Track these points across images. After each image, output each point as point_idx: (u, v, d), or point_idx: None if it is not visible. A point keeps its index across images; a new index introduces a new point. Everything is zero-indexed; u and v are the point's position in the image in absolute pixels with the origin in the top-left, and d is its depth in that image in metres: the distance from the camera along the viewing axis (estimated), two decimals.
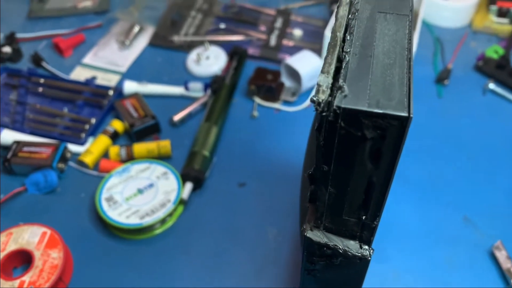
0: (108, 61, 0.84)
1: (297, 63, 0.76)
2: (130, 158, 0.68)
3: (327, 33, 0.76)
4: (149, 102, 0.75)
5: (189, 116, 0.75)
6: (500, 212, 0.62)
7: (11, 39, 0.87)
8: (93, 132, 0.72)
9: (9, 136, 0.70)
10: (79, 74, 0.82)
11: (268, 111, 0.76)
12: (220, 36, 0.88)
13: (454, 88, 0.80)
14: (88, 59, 0.85)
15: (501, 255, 0.57)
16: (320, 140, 0.26)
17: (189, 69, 0.83)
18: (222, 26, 0.91)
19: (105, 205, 0.60)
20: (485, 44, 0.88)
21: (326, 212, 0.31)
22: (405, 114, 0.23)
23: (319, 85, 0.25)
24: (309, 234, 0.32)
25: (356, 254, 0.32)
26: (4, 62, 0.84)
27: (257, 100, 0.77)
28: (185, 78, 0.81)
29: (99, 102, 0.76)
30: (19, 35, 0.89)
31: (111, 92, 0.77)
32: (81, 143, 0.70)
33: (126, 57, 0.85)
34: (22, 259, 0.57)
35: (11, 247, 0.56)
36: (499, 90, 0.78)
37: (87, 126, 0.72)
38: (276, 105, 0.76)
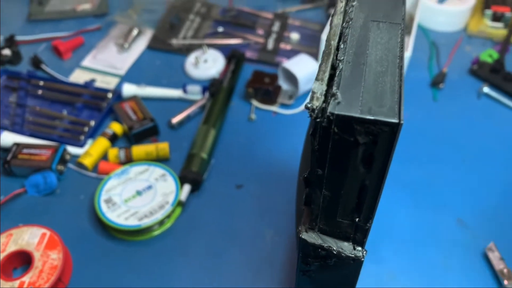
0: (107, 64, 0.85)
1: (294, 67, 0.77)
2: (128, 160, 0.69)
3: (324, 37, 0.77)
4: (147, 104, 0.76)
5: (188, 118, 0.76)
6: (493, 214, 0.63)
7: (10, 42, 0.87)
8: (92, 134, 0.73)
9: (9, 138, 0.70)
10: (78, 76, 0.83)
11: (266, 114, 0.77)
12: (218, 39, 0.89)
13: (449, 92, 0.81)
14: (87, 61, 0.86)
15: (494, 257, 0.58)
16: (315, 145, 0.27)
17: (187, 72, 0.84)
18: (220, 29, 0.92)
19: (104, 207, 0.61)
20: (479, 48, 0.89)
21: (320, 214, 0.32)
22: (395, 120, 0.24)
23: (313, 92, 0.26)
24: (304, 235, 0.33)
25: (350, 255, 0.33)
26: (3, 65, 0.85)
27: (255, 103, 0.78)
28: (183, 81, 0.82)
29: (98, 104, 0.76)
30: (19, 38, 0.89)
31: (110, 95, 0.77)
32: (80, 145, 0.71)
33: (125, 60, 0.86)
34: (22, 260, 0.58)
35: (11, 248, 0.56)
36: (494, 93, 0.79)
37: (86, 129, 0.73)
38: (274, 108, 0.77)
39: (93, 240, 0.61)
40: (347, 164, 0.27)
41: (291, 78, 0.79)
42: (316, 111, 0.25)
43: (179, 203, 0.63)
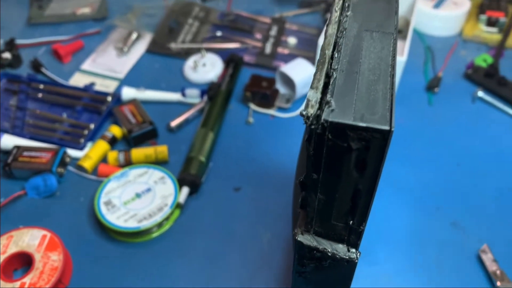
0: (106, 68, 0.86)
1: (291, 71, 0.78)
2: (128, 163, 0.69)
3: (321, 42, 0.78)
4: (146, 108, 0.77)
5: (186, 122, 0.76)
6: (487, 217, 0.64)
7: (11, 45, 0.88)
8: (92, 137, 0.74)
9: (9, 141, 0.71)
10: (78, 80, 0.84)
11: (263, 117, 0.78)
12: (217, 43, 0.90)
13: (444, 96, 0.82)
14: (86, 65, 0.87)
15: (487, 258, 0.59)
16: (310, 151, 0.28)
17: (186, 76, 0.84)
18: (219, 33, 0.93)
19: (103, 209, 0.62)
20: (474, 52, 0.90)
21: (316, 217, 0.33)
22: (387, 127, 0.25)
23: (308, 100, 0.27)
24: (300, 238, 0.34)
25: (344, 257, 0.34)
26: (4, 68, 0.85)
27: (253, 106, 0.79)
28: (182, 84, 0.83)
29: (97, 108, 0.77)
30: (19, 41, 0.90)
31: (109, 98, 0.78)
32: (80, 148, 0.72)
33: (124, 64, 0.87)
34: (23, 262, 0.58)
35: (12, 249, 0.57)
36: (488, 98, 0.80)
37: (86, 132, 0.74)
38: (271, 111, 0.78)
39: (92, 242, 0.62)
40: (341, 169, 0.28)
41: (289, 82, 0.80)
42: (311, 118, 0.26)
43: (178, 206, 0.64)
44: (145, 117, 0.74)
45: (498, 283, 0.56)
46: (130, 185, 0.65)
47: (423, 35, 0.94)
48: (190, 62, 0.86)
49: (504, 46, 0.88)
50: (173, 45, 0.90)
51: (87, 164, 0.68)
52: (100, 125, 0.76)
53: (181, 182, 0.65)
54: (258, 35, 0.93)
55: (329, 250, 0.34)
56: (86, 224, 0.63)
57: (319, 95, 0.27)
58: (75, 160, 0.71)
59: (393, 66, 0.29)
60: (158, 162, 0.70)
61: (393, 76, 0.28)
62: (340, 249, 0.34)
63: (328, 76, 0.28)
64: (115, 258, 0.60)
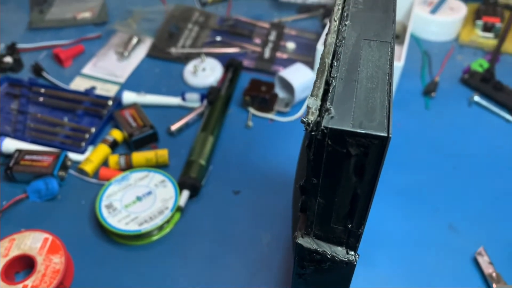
0: (107, 72, 0.87)
1: (290, 76, 0.79)
2: (129, 166, 0.70)
3: (319, 47, 0.79)
4: (147, 112, 0.77)
5: (186, 126, 0.77)
6: (483, 220, 0.65)
7: (12, 50, 0.89)
8: (93, 141, 0.75)
9: (11, 144, 0.72)
10: (78, 84, 0.85)
11: (262, 121, 0.79)
12: (216, 48, 0.91)
13: (441, 100, 0.83)
14: (87, 69, 0.88)
15: (484, 261, 0.60)
16: (310, 156, 0.29)
17: (186, 80, 0.85)
18: (218, 38, 0.94)
19: (105, 212, 0.63)
20: (471, 57, 0.91)
21: (315, 220, 0.34)
22: (384, 134, 0.26)
23: (308, 107, 0.28)
24: (300, 240, 0.35)
25: (343, 259, 0.35)
26: (5, 72, 0.86)
27: (252, 110, 0.79)
28: (182, 89, 0.84)
29: (98, 112, 0.78)
30: (20, 46, 0.91)
31: (110, 102, 0.79)
32: (81, 151, 0.72)
33: (125, 68, 0.88)
34: (25, 264, 0.59)
35: (14, 252, 0.58)
36: (484, 102, 0.81)
37: (87, 135, 0.75)
38: (270, 116, 0.79)
39: (94, 244, 0.62)
40: (340, 174, 0.29)
41: (287, 87, 0.81)
42: (311, 125, 0.27)
43: (178, 209, 0.65)
44: (145, 121, 0.75)
45: (494, 286, 0.57)
46: (131, 188, 0.66)
47: (420, 40, 0.95)
48: (190, 66, 0.86)
49: (500, 51, 0.89)
50: (173, 50, 0.91)
51: (88, 168, 0.69)
52: (101, 129, 0.76)
53: (181, 185, 0.66)
54: (257, 40, 0.94)
55: (329, 252, 0.35)
56: (87, 227, 0.64)
57: (319, 103, 0.28)
58: (76, 163, 0.71)
59: (390, 75, 0.30)
60: (159, 166, 0.71)
61: (390, 84, 0.29)
62: (339, 252, 0.35)
63: (327, 84, 0.29)
64: (116, 260, 0.61)
